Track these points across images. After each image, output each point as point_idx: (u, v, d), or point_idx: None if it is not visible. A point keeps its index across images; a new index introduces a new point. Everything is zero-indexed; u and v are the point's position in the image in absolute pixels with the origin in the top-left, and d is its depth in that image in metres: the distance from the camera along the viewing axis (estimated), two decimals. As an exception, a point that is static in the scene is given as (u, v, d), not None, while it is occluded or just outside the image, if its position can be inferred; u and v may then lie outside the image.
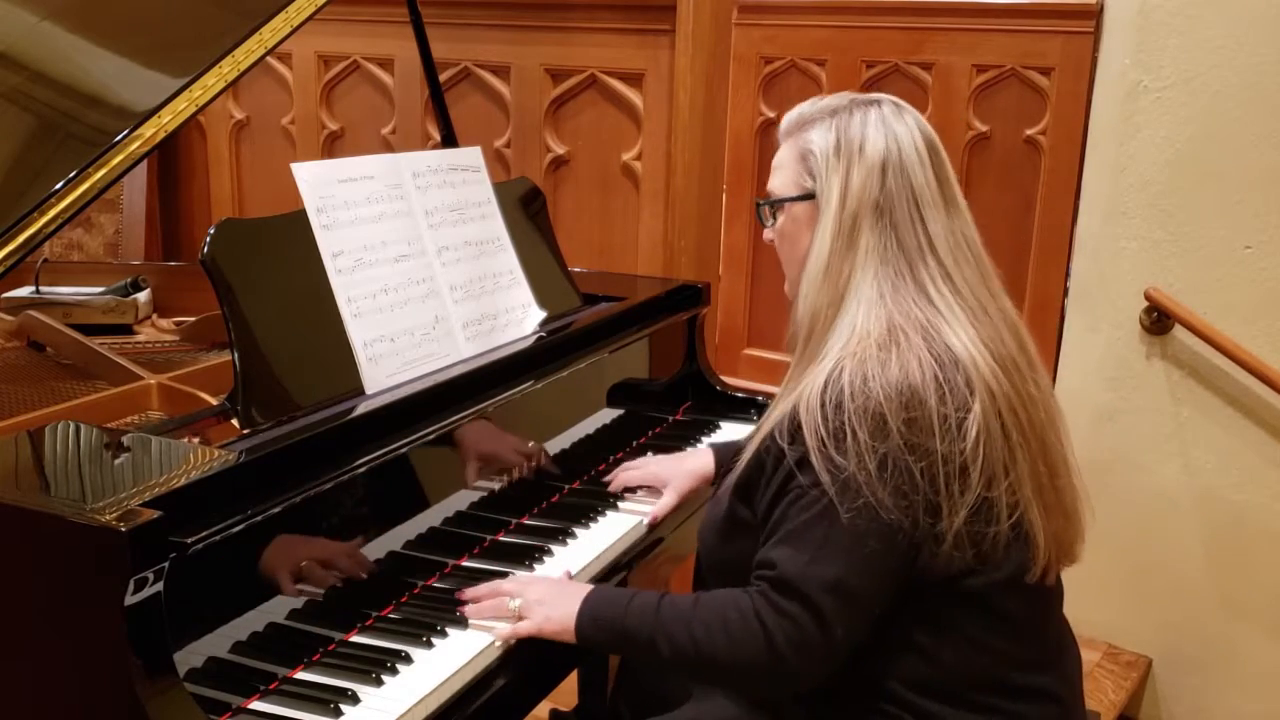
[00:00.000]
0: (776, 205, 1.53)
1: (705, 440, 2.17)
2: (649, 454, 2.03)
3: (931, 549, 1.35)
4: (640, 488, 1.92)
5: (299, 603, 1.42)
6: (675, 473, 1.89)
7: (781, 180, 1.52)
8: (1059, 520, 1.44)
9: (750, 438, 1.49)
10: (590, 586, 1.52)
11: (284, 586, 1.40)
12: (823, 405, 1.34)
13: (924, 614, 1.39)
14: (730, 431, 2.22)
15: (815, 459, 1.34)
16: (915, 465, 1.32)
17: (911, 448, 1.32)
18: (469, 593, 1.54)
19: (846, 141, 1.45)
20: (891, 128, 1.44)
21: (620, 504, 1.89)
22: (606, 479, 1.93)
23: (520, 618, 1.48)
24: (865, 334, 1.38)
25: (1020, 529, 1.39)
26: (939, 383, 1.34)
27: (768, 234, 1.57)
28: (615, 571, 1.74)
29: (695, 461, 1.91)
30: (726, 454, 1.88)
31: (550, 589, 1.52)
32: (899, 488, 1.32)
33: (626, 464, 1.95)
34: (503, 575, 1.62)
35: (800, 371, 1.44)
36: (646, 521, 1.83)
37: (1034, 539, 1.40)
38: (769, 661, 1.36)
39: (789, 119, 1.54)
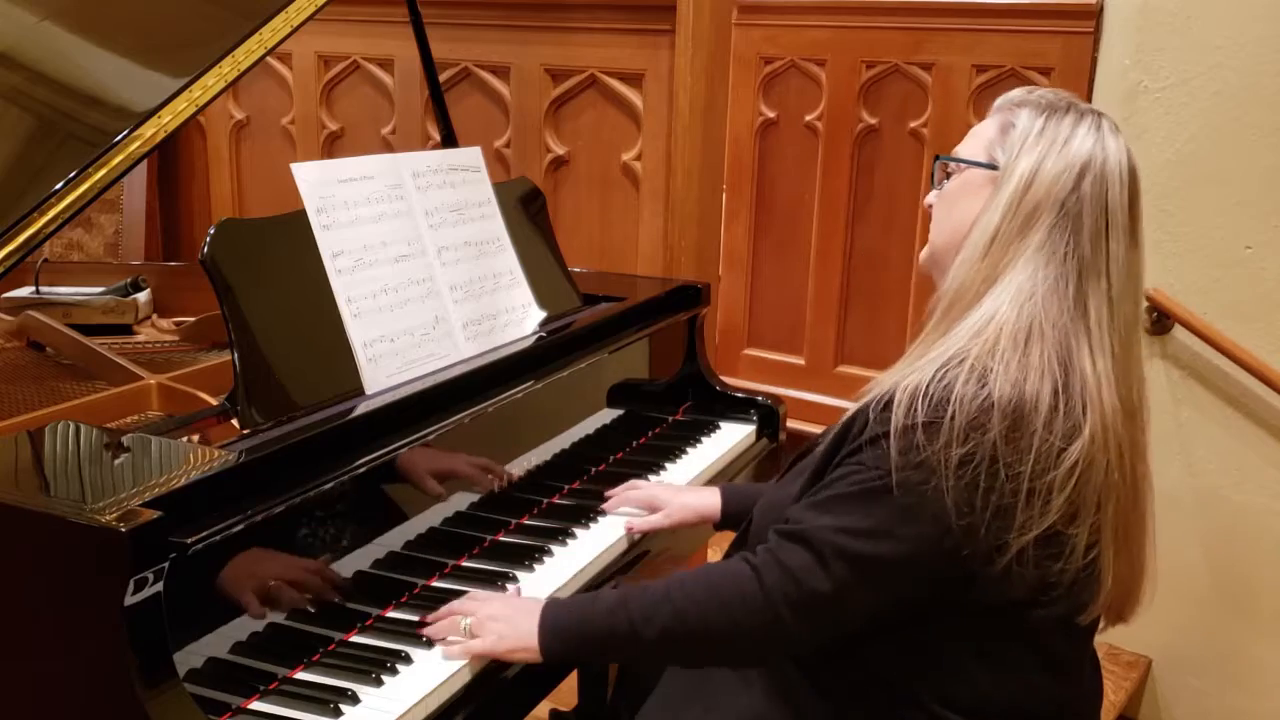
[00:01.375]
0: (955, 165, 1.44)
1: (705, 440, 2.17)
2: (653, 475, 1.98)
3: (992, 559, 1.28)
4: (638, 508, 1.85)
5: (299, 602, 1.42)
6: (674, 502, 1.82)
7: (970, 146, 1.45)
8: (1128, 571, 1.39)
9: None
10: (543, 600, 1.46)
11: (284, 585, 1.40)
12: (927, 391, 1.28)
13: (972, 636, 1.35)
14: (730, 431, 2.23)
15: (892, 439, 1.28)
16: (1003, 469, 1.26)
17: (1003, 453, 1.26)
18: (430, 617, 1.49)
19: (1054, 131, 1.37)
20: (1104, 138, 1.36)
21: (610, 513, 1.84)
22: (608, 494, 1.87)
23: (473, 636, 1.43)
24: (1001, 324, 1.31)
25: (1092, 569, 1.34)
26: (1054, 402, 1.28)
27: (930, 197, 1.49)
28: (616, 573, 1.75)
29: (699, 498, 1.82)
30: (734, 497, 1.82)
31: (505, 607, 1.46)
32: (974, 483, 1.26)
33: (631, 482, 1.90)
34: (503, 575, 1.63)
35: (929, 343, 1.37)
36: (624, 527, 1.79)
37: (1102, 582, 1.35)
38: (769, 630, 1.33)
39: (1005, 97, 1.46)
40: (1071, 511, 1.29)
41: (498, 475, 1.77)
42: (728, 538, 1.84)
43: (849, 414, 1.38)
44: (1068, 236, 1.33)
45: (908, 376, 1.32)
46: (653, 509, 1.82)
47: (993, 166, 1.40)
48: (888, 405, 1.31)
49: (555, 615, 1.42)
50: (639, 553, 1.82)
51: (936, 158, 1.49)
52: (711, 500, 1.81)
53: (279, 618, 1.40)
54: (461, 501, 1.70)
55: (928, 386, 1.28)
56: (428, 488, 1.64)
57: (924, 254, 1.50)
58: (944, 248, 1.44)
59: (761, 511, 1.54)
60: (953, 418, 1.26)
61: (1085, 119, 1.38)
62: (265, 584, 1.38)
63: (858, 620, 1.35)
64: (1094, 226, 1.34)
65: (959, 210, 1.42)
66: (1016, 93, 1.46)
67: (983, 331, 1.31)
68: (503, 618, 1.43)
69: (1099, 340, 1.32)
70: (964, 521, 1.27)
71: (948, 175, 1.46)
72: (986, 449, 1.26)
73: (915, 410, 1.27)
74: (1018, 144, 1.38)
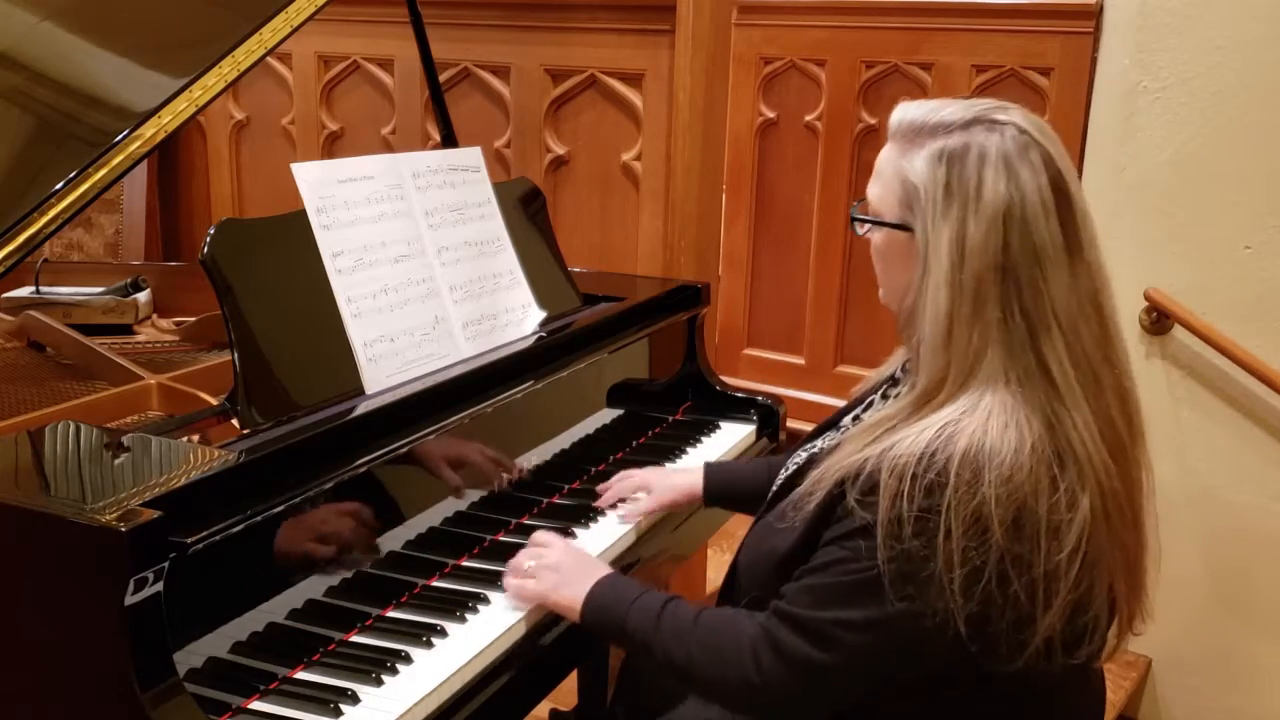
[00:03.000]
0: (871, 224, 1.36)
1: (705, 440, 2.17)
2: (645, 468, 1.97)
3: (1013, 658, 1.24)
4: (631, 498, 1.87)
5: (299, 602, 1.42)
6: (661, 485, 1.85)
7: (879, 194, 1.35)
8: (1137, 602, 1.36)
9: (819, 452, 1.41)
10: (606, 571, 1.52)
11: (284, 586, 1.40)
12: (914, 478, 1.20)
13: (984, 695, 1.32)
14: (730, 431, 2.23)
15: (880, 533, 1.21)
16: (1015, 579, 1.20)
17: (1014, 560, 1.19)
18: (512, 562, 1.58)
19: (960, 184, 1.25)
20: (1014, 169, 1.25)
21: (610, 511, 1.85)
22: (600, 488, 1.88)
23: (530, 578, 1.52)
24: (986, 414, 1.22)
25: (1106, 615, 1.31)
26: (1053, 485, 1.21)
27: (861, 231, 1.41)
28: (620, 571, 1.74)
29: (684, 478, 1.87)
30: (716, 476, 1.86)
31: (569, 560, 1.54)
32: (988, 601, 1.20)
33: (624, 472, 1.91)
34: (504, 575, 1.62)
35: (903, 419, 1.28)
36: (620, 515, 1.83)
37: (1120, 623, 1.34)
38: (751, 696, 1.34)
39: (900, 117, 1.34)
40: (1078, 582, 1.23)
41: (498, 475, 1.77)
42: (730, 538, 1.85)
43: (831, 486, 1.29)
44: (1012, 299, 1.25)
45: (886, 458, 1.23)
46: (643, 491, 1.86)
47: (907, 228, 1.31)
48: (871, 491, 1.23)
49: (603, 593, 1.47)
50: (639, 554, 1.82)
51: (852, 214, 1.40)
52: (695, 479, 1.86)
53: (279, 617, 1.40)
54: (461, 501, 1.70)
55: (914, 475, 1.20)
56: (428, 487, 1.64)
57: (882, 295, 1.42)
58: (891, 302, 1.38)
59: (749, 553, 1.50)
60: (948, 533, 1.19)
61: (990, 145, 1.26)
62: (265, 583, 1.38)
63: (854, 698, 1.33)
64: (1029, 275, 1.25)
65: (893, 274, 1.36)
66: (913, 115, 1.33)
67: (969, 415, 1.23)
68: (562, 570, 1.51)
69: (1070, 395, 1.24)
70: (977, 634, 1.22)
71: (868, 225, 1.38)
72: (996, 557, 1.19)
73: (900, 508, 1.20)
74: (928, 209, 1.27)
